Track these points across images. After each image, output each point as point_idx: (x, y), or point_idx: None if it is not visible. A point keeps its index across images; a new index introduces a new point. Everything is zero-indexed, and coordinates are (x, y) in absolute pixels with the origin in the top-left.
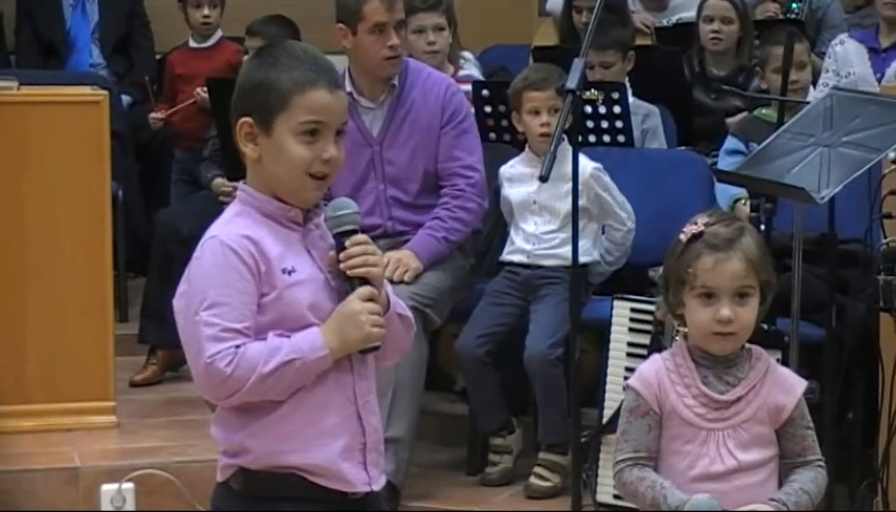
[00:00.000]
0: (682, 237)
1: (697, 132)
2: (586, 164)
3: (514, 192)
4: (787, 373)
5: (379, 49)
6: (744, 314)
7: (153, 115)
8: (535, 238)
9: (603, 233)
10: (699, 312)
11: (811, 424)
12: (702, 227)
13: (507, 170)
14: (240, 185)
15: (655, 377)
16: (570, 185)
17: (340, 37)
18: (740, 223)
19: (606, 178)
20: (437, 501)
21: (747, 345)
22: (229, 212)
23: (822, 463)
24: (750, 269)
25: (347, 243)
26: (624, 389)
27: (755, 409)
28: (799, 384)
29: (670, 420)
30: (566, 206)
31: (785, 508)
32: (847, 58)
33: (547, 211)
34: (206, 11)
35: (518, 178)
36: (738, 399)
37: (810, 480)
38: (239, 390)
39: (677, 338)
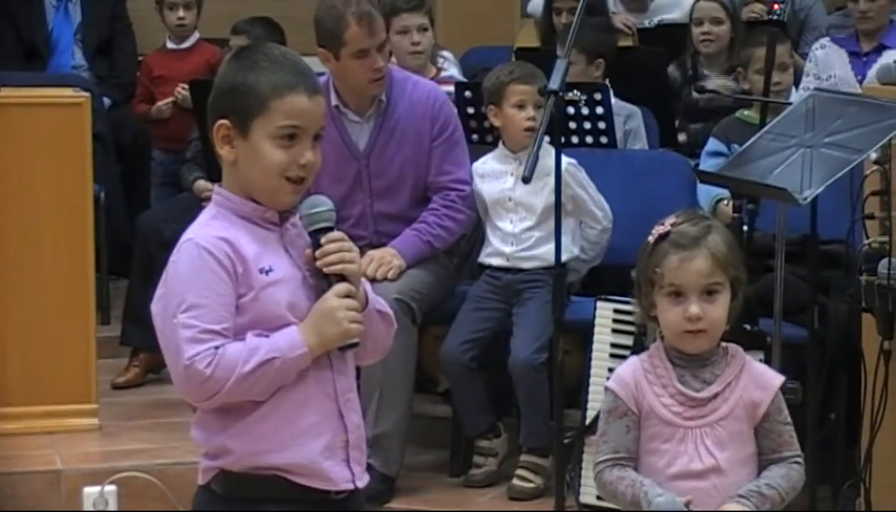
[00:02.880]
0: (651, 238)
1: (692, 135)
2: (561, 160)
3: (487, 189)
4: (763, 369)
5: (363, 73)
6: (713, 311)
7: (160, 103)
8: (513, 237)
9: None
10: (669, 312)
11: (789, 420)
12: (669, 228)
13: (479, 166)
14: (215, 187)
15: (632, 378)
16: (545, 181)
17: (323, 60)
18: (708, 222)
19: (582, 175)
20: (421, 502)
21: (723, 343)
22: (205, 215)
23: (798, 459)
24: (716, 266)
25: (323, 241)
26: (605, 390)
27: (732, 405)
28: (775, 379)
29: (648, 420)
30: (542, 202)
31: (749, 504)
32: (828, 61)
33: (523, 208)
34: (181, 13)
35: (491, 175)
36: (715, 396)
37: (780, 475)
38: (219, 391)
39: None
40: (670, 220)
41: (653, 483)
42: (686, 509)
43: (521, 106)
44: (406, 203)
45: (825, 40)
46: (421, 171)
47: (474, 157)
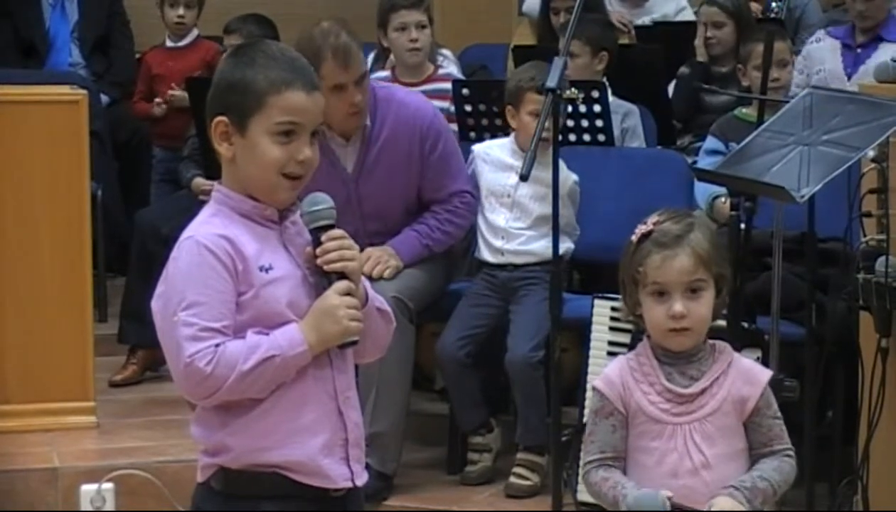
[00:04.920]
0: (633, 237)
1: (702, 130)
2: (568, 175)
3: (488, 177)
4: (750, 364)
5: (341, 108)
6: (697, 309)
7: (158, 99)
8: (504, 232)
9: None
10: (653, 310)
11: (779, 414)
12: (651, 227)
13: (483, 151)
14: (215, 185)
15: (619, 377)
16: (548, 191)
17: None
18: (691, 219)
19: (578, 192)
20: (418, 499)
21: (710, 341)
22: (205, 212)
23: (790, 452)
24: (699, 263)
25: (323, 238)
26: (591, 390)
27: (720, 401)
28: (763, 374)
29: (636, 418)
30: (540, 209)
31: (740, 496)
32: (820, 55)
33: (519, 208)
34: (181, 12)
35: (496, 164)
36: (703, 392)
37: (772, 467)
38: (219, 389)
39: None
40: (652, 218)
41: (635, 485)
42: (668, 508)
43: (537, 114)
44: (398, 222)
45: (821, 33)
46: (411, 190)
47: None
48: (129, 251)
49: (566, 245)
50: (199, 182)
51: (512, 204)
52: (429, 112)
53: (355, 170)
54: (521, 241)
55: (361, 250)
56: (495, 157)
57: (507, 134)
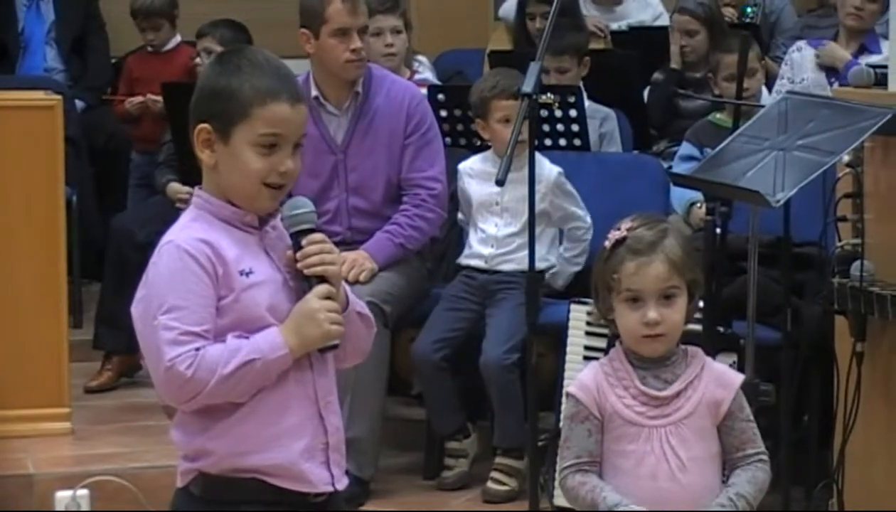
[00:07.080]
0: (607, 243)
1: (678, 135)
2: (551, 169)
3: (475, 190)
4: (723, 368)
5: (342, 52)
6: (671, 315)
7: (130, 99)
8: (494, 240)
9: (560, 239)
10: (627, 316)
11: (751, 418)
12: (625, 233)
13: (468, 166)
14: (195, 190)
15: (594, 382)
16: (534, 189)
17: (304, 42)
18: (664, 225)
19: (568, 184)
20: (395, 504)
21: (682, 346)
22: (185, 217)
23: (763, 457)
24: (673, 270)
25: (304, 242)
26: (566, 396)
27: (695, 404)
28: (736, 378)
29: (612, 422)
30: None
31: None
32: (803, 64)
33: (509, 213)
34: (150, 36)
35: (479, 176)
36: (678, 395)
37: (747, 480)
38: (200, 393)
39: None
40: (626, 224)
41: (613, 489)
42: None
43: (506, 120)
44: (380, 199)
45: (802, 43)
46: (394, 167)
47: (448, 159)
48: (105, 257)
49: (551, 261)
50: (175, 188)
51: (501, 210)
52: (419, 94)
53: (345, 141)
54: (511, 247)
55: (344, 229)
56: (479, 170)
57: (482, 140)
